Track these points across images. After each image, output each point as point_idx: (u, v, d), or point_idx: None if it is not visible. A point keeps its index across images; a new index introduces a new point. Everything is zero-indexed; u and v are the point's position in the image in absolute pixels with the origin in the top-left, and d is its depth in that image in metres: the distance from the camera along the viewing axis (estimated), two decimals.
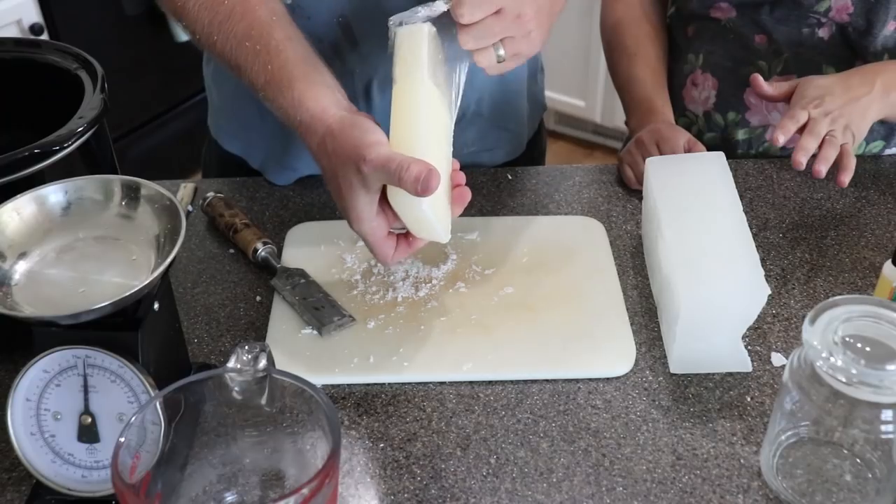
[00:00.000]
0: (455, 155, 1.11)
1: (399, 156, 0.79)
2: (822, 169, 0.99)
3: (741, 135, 1.22)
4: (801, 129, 1.01)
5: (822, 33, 1.14)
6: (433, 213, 0.82)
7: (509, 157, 1.22)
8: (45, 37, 2.18)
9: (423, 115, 0.84)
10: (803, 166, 0.98)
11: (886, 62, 1.11)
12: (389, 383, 0.88)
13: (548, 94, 1.26)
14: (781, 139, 0.98)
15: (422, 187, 0.77)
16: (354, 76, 1.06)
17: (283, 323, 0.94)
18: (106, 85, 0.91)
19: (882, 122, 1.17)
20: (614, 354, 0.90)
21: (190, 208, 1.11)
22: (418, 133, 0.83)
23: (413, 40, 0.86)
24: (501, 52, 0.86)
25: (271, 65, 0.87)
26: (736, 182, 0.97)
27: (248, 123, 1.14)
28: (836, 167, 1.01)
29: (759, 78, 1.07)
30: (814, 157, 1.00)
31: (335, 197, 0.85)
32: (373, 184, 0.81)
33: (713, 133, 1.24)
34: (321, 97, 0.86)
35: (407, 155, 0.79)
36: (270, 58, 0.87)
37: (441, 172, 0.80)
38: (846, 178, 1.00)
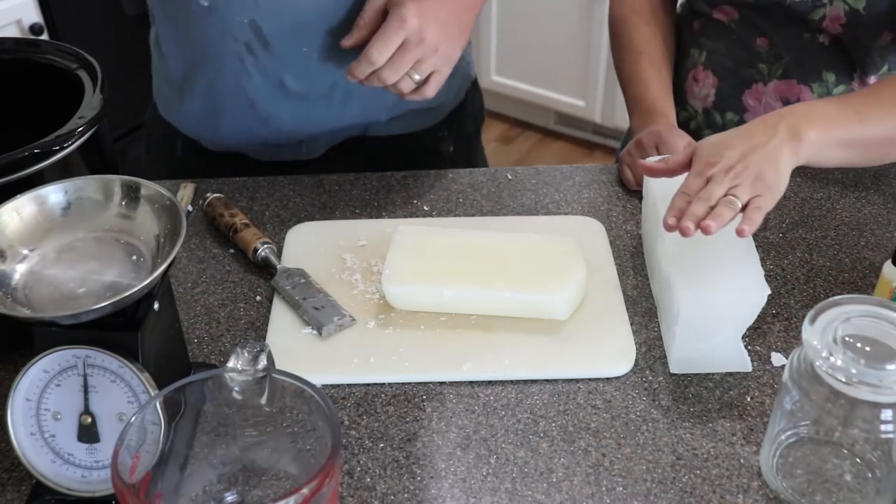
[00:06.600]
0: (367, 127, 1.18)
1: None
2: (712, 225, 0.83)
3: None
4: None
5: (823, 39, 1.13)
6: None
7: (426, 125, 1.25)
8: (45, 37, 2.18)
9: None
10: (691, 232, 0.83)
11: (795, 105, 0.95)
12: (389, 383, 0.88)
13: (547, 94, 1.26)
14: (671, 220, 0.84)
15: None
16: (268, 72, 1.11)
17: (283, 323, 0.94)
18: (106, 85, 0.91)
19: None
20: (614, 354, 0.90)
21: (190, 208, 1.11)
22: None
23: None
24: (417, 76, 0.99)
25: None
26: None
27: (180, 91, 1.18)
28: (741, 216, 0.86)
29: (649, 162, 0.95)
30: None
31: None
32: None
33: (711, 131, 1.23)
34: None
35: None
36: None
37: None
38: (746, 228, 0.83)
